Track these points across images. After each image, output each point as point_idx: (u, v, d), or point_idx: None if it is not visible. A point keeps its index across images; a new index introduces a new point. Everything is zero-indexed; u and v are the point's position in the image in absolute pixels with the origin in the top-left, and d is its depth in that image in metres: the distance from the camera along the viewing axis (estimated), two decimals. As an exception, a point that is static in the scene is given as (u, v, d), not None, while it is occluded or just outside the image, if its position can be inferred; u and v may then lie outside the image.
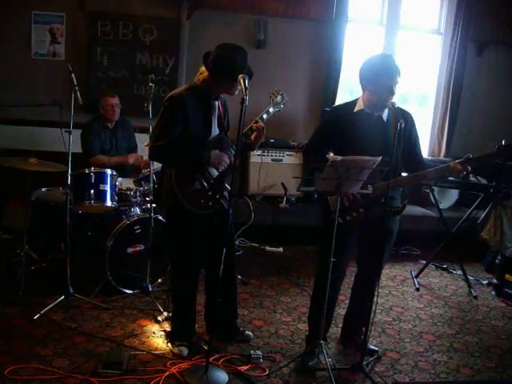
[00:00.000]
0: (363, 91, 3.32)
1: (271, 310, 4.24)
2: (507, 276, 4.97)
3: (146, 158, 4.73)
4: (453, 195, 6.47)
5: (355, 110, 3.33)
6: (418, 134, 3.50)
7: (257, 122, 3.41)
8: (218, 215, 3.37)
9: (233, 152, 3.36)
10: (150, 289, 4.16)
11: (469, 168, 3.24)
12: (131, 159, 4.93)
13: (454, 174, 3.29)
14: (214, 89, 3.29)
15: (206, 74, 3.24)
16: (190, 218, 3.29)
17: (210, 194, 3.32)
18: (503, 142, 3.12)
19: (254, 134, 3.40)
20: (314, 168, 3.24)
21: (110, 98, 4.90)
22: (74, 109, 3.91)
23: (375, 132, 3.27)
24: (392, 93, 3.19)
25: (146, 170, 4.43)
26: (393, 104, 3.15)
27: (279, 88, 3.60)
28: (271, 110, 3.54)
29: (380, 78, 3.18)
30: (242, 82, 2.98)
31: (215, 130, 3.39)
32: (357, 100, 3.36)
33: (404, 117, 3.13)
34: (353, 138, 3.25)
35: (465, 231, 5.35)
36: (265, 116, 3.49)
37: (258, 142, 3.47)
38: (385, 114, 3.32)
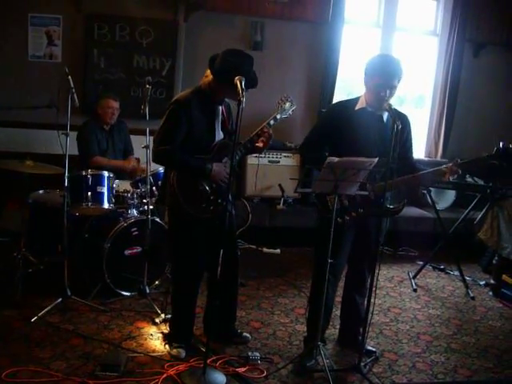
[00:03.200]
0: (365, 89, 3.33)
1: (269, 311, 4.24)
2: (504, 276, 4.98)
3: (143, 164, 4.70)
4: (450, 196, 6.47)
5: (356, 108, 3.33)
6: (413, 137, 3.51)
7: (265, 128, 3.39)
8: (220, 217, 3.33)
9: (239, 154, 3.36)
10: (148, 291, 4.14)
11: (459, 171, 3.24)
12: (129, 166, 4.87)
13: (446, 177, 3.27)
14: (217, 93, 3.26)
15: (211, 77, 3.22)
16: (191, 221, 3.28)
17: (212, 198, 3.30)
18: (501, 144, 3.12)
19: (262, 140, 3.38)
20: (312, 168, 3.24)
21: (113, 102, 4.83)
22: (70, 111, 3.90)
23: (374, 131, 3.28)
24: (389, 91, 3.18)
25: (142, 174, 4.42)
26: (389, 105, 3.15)
27: (288, 95, 3.56)
28: (278, 116, 3.49)
29: (376, 75, 3.19)
30: (239, 83, 2.95)
31: (219, 135, 3.37)
32: (358, 98, 3.36)
33: (400, 119, 3.13)
34: (351, 135, 3.24)
35: (462, 232, 5.36)
36: (272, 122, 3.45)
37: (265, 149, 3.47)
38: (385, 115, 3.33)
